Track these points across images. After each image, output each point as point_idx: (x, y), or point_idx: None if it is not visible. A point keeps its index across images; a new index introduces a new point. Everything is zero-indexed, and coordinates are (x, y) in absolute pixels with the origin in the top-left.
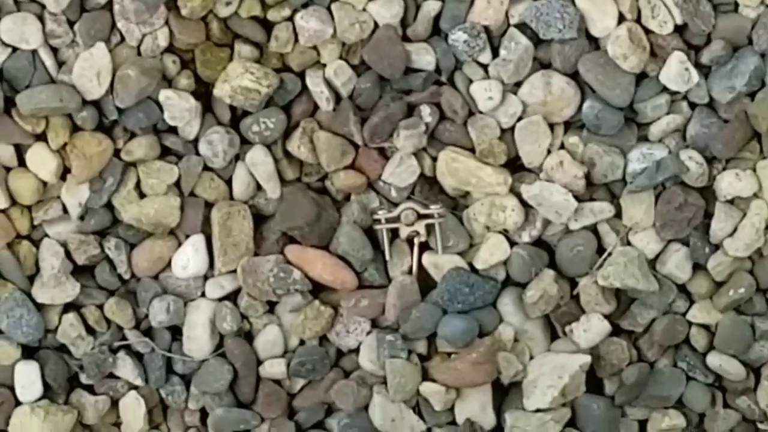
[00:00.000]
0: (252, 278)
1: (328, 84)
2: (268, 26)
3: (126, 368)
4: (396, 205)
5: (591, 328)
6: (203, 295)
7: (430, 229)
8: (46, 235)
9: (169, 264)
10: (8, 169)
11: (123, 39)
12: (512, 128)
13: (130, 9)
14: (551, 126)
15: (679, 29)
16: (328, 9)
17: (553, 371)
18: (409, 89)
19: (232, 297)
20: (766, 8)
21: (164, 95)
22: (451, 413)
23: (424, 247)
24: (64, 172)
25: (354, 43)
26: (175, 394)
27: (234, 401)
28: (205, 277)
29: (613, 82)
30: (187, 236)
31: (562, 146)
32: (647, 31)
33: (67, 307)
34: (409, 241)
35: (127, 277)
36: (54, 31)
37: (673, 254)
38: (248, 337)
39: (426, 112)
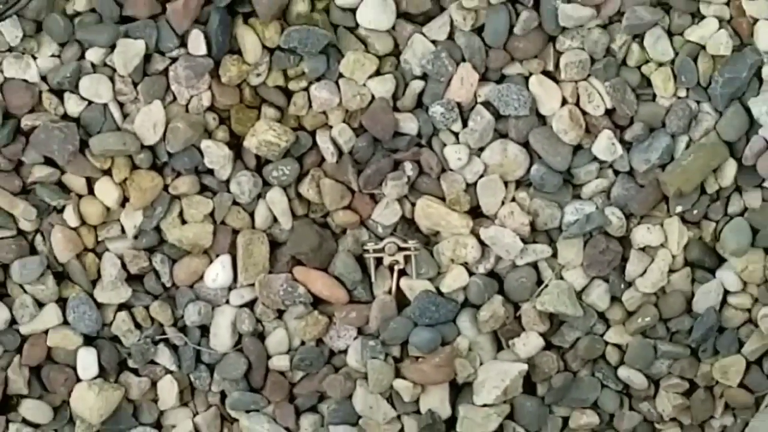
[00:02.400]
0: (266, 291)
1: (333, 141)
2: (288, 94)
3: (164, 357)
4: (382, 239)
5: (529, 343)
6: (227, 302)
7: (407, 259)
8: (107, 250)
9: (202, 276)
10: (80, 197)
11: (175, 98)
12: (475, 183)
13: (181, 75)
14: (506, 183)
15: (609, 112)
16: (336, 83)
17: (497, 375)
18: (396, 149)
19: (250, 305)
20: (678, 99)
21: (205, 144)
22: (417, 404)
23: (402, 273)
24: (124, 201)
25: (355, 110)
26: (201, 379)
27: (247, 386)
28: (230, 289)
29: (555, 151)
30: (218, 255)
31: (513, 199)
32: (584, 113)
33: (121, 307)
34: (391, 268)
35: (169, 285)
36: (121, 90)
37: (596, 288)
38: (261, 337)
39: (408, 167)
